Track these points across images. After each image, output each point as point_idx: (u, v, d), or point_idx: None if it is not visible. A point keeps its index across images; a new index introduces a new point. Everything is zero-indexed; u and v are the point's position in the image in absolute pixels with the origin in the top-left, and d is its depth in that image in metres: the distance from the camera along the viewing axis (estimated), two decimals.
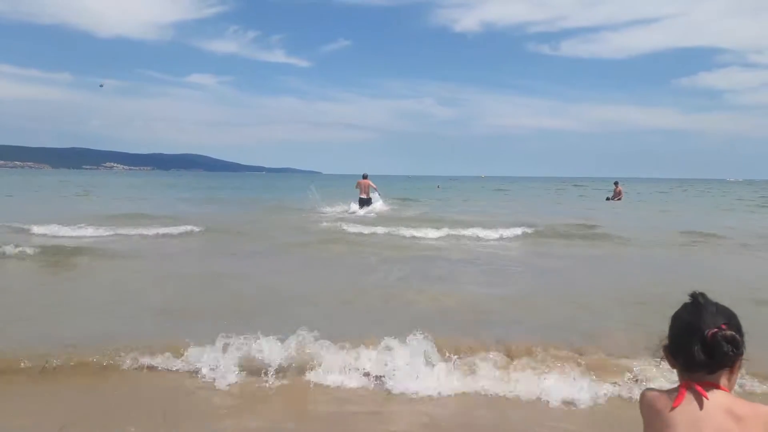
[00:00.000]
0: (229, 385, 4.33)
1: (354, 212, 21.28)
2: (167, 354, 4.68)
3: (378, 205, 22.48)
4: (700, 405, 1.62)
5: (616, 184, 33.20)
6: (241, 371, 4.47)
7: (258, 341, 4.60)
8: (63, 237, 12.83)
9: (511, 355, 4.77)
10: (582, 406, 4.06)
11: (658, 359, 1.80)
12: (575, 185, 74.28)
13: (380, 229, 14.99)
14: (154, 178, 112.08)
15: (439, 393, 4.23)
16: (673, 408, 1.65)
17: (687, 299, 1.73)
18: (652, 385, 3.39)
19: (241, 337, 4.65)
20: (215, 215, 20.68)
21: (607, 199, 32.10)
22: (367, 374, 4.46)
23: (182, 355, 4.67)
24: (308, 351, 4.60)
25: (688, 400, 1.64)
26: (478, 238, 13.87)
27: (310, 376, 4.43)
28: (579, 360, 4.68)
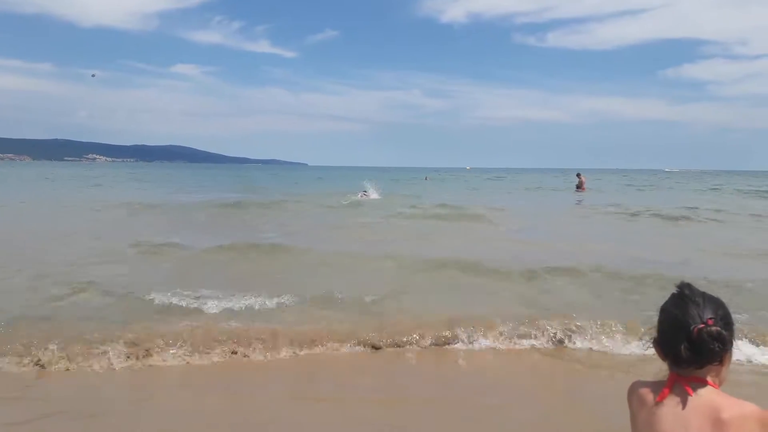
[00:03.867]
0: None
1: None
2: None
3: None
4: (684, 402, 1.62)
5: (578, 175, 33.66)
6: None
7: None
8: None
9: None
10: None
11: (648, 346, 1.80)
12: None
13: None
14: (131, 169, 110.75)
15: None
16: (657, 402, 1.66)
17: (674, 290, 1.72)
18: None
19: None
20: None
21: (577, 188, 32.64)
22: None
23: None
24: None
25: (673, 396, 1.64)
26: None
27: None
28: None
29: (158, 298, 6.56)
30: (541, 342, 5.40)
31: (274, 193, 30.56)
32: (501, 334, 5.44)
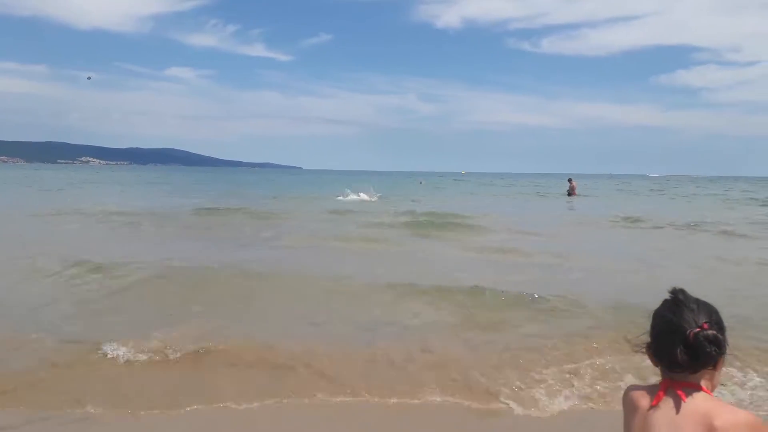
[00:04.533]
0: None
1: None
2: None
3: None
4: (677, 408, 1.61)
5: (569, 180, 34.17)
6: None
7: None
8: None
9: None
10: None
11: (640, 351, 1.77)
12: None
13: None
14: (122, 172, 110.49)
15: None
16: (650, 407, 1.65)
17: (667, 296, 1.71)
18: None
19: None
20: None
21: (568, 194, 33.14)
22: None
23: None
24: None
25: (666, 402, 1.64)
26: None
27: None
28: None
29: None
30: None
31: (264, 198, 29.45)
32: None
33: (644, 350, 1.74)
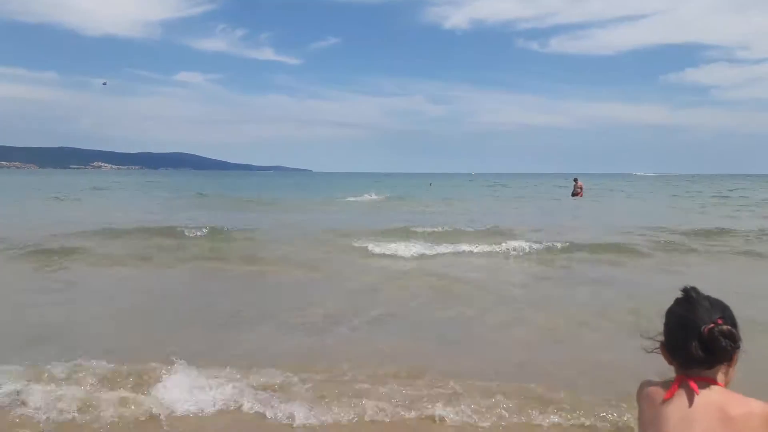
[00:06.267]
0: None
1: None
2: None
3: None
4: (691, 401, 1.62)
5: (575, 180, 33.56)
6: None
7: None
8: None
9: None
10: None
11: (654, 351, 1.77)
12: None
13: None
14: (136, 177, 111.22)
15: None
16: (663, 401, 1.66)
17: (679, 294, 1.72)
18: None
19: None
20: None
21: (573, 194, 32.35)
22: None
23: None
24: None
25: (680, 395, 1.65)
26: None
27: None
28: None
29: None
30: None
31: (267, 207, 26.23)
32: None
33: (658, 350, 1.76)
